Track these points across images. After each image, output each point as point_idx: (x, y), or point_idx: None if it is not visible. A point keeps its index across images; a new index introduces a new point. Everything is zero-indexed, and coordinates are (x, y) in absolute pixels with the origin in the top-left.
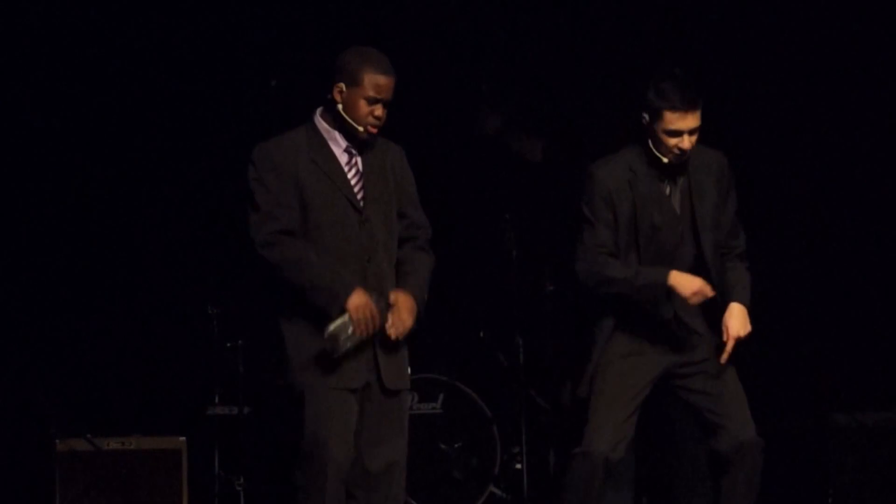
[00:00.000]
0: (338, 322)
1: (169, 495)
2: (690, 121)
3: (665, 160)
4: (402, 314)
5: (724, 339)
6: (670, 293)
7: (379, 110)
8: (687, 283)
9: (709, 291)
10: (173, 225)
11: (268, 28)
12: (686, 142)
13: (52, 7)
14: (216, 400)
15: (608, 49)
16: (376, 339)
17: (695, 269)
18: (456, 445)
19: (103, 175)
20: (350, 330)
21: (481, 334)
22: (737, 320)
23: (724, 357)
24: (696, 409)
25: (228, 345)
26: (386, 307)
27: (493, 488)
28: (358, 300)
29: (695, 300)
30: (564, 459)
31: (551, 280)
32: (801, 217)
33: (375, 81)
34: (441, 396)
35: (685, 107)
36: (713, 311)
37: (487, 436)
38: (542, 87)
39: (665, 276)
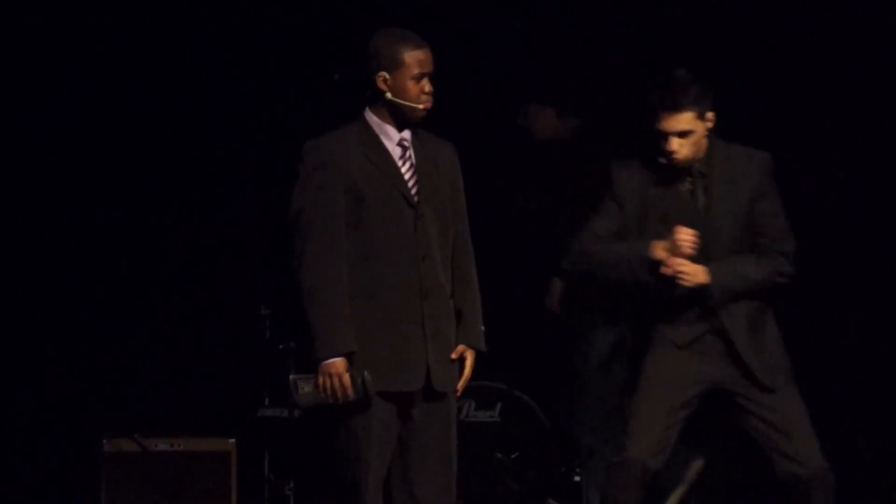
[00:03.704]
0: (308, 374)
1: (218, 498)
2: (675, 123)
3: (663, 160)
4: (466, 372)
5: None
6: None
7: (427, 85)
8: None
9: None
10: (227, 226)
11: (333, 25)
12: (673, 144)
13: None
14: (266, 402)
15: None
16: (428, 340)
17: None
18: (513, 455)
19: (158, 176)
20: (311, 387)
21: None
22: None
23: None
24: (756, 433)
25: (280, 346)
26: (370, 383)
27: (550, 500)
28: (330, 368)
29: (677, 266)
30: None
31: None
32: (867, 238)
33: (416, 58)
34: (499, 405)
35: (668, 109)
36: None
37: (545, 447)
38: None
39: (644, 248)
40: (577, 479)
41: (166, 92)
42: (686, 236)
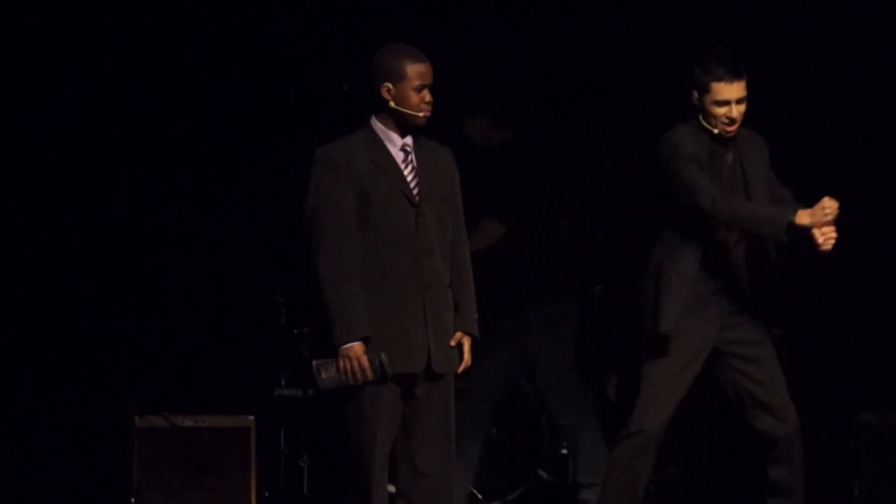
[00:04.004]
0: (328, 358)
1: (238, 470)
2: (736, 90)
3: (715, 131)
4: (466, 357)
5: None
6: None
7: (427, 95)
8: (813, 214)
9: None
10: (246, 224)
11: (343, 33)
12: (734, 110)
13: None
14: (283, 382)
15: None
16: (429, 327)
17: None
18: (505, 430)
19: (181, 167)
20: (333, 371)
21: None
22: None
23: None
24: (740, 390)
25: (295, 331)
26: (387, 363)
27: (539, 471)
28: (349, 352)
29: (825, 234)
30: (608, 445)
31: (600, 281)
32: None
33: (417, 70)
34: None
35: (730, 76)
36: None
37: (535, 422)
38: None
39: (790, 213)
40: (563, 452)
41: (196, 93)
42: (832, 205)
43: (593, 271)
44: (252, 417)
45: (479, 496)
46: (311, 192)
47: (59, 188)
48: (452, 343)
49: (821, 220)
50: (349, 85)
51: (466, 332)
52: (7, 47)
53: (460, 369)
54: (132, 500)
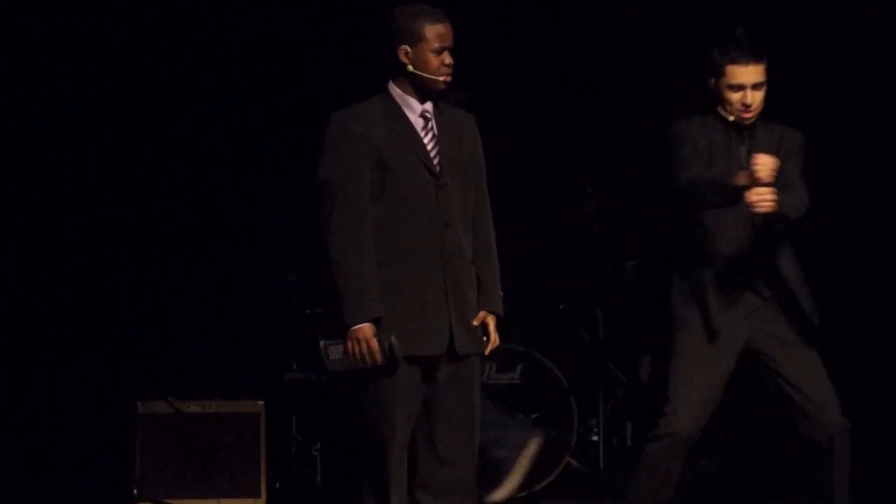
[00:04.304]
0: (338, 339)
1: (247, 458)
2: (752, 74)
3: (731, 118)
4: (493, 336)
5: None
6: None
7: (448, 58)
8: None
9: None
10: (256, 196)
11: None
12: (749, 96)
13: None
14: (294, 366)
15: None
16: (451, 306)
17: (755, 227)
18: (533, 416)
19: (189, 148)
20: (341, 352)
21: (561, 307)
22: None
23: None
24: (779, 391)
25: (307, 312)
26: (397, 346)
27: (569, 459)
28: (359, 333)
29: (760, 194)
30: (641, 432)
31: (633, 256)
32: (882, 205)
33: (437, 31)
34: (519, 367)
35: (746, 59)
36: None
37: (565, 407)
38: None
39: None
40: (594, 438)
41: (204, 63)
42: (761, 160)
43: (624, 246)
44: (262, 403)
45: None
46: (323, 160)
47: (65, 171)
48: (476, 322)
49: (752, 178)
50: (364, 48)
51: (491, 311)
52: (7, 47)
53: (488, 350)
54: (134, 490)
